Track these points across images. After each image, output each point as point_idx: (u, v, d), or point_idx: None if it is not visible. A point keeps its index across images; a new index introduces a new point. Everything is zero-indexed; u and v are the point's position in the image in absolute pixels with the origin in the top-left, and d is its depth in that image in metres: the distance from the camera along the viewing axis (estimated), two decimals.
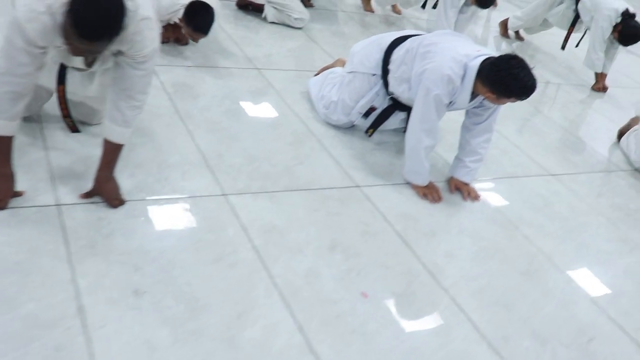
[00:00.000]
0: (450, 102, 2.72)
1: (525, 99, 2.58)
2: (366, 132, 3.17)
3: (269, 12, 4.41)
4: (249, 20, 4.47)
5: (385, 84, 3.00)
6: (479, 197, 2.97)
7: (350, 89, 3.12)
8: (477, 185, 3.05)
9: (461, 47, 2.69)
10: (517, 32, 6.00)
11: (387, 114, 3.13)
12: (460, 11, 4.71)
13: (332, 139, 3.14)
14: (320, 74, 3.50)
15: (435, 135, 2.76)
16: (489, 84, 2.54)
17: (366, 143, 3.19)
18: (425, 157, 2.78)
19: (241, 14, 4.54)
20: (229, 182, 2.58)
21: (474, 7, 4.66)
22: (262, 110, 3.26)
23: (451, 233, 2.68)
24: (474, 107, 2.77)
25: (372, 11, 5.45)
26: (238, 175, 2.65)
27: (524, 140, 3.80)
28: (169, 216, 2.31)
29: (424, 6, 5.12)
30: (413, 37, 2.93)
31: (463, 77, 2.62)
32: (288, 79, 3.66)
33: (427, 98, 2.67)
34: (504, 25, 5.95)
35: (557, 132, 4.09)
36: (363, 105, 3.09)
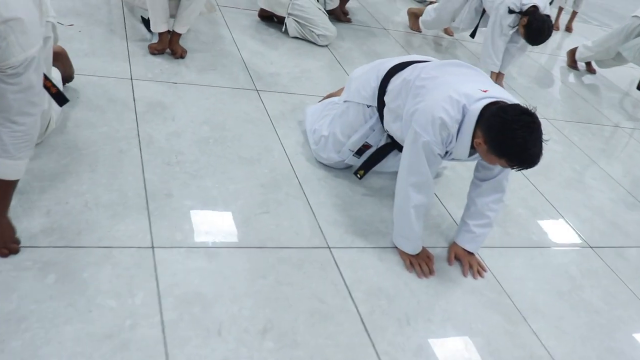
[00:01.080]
0: (446, 152, 2.17)
1: (519, 169, 2.00)
2: (356, 173, 2.65)
3: (290, 25, 3.96)
4: (270, 33, 4.04)
5: (382, 117, 2.47)
6: (484, 272, 2.38)
7: (342, 121, 2.62)
8: (484, 255, 2.45)
9: (464, 84, 2.13)
10: (588, 64, 5.27)
11: (383, 154, 2.60)
12: (511, 40, 4.06)
13: (317, 182, 2.64)
14: (320, 103, 3.00)
15: (427, 192, 2.21)
16: (485, 130, 2.00)
17: (356, 190, 2.66)
18: (416, 219, 2.23)
19: (263, 27, 4.10)
20: (164, 232, 2.14)
21: None
22: (244, 140, 2.79)
23: (433, 321, 2.11)
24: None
25: (419, 31, 4.89)
26: (180, 223, 2.20)
27: (565, 197, 3.15)
28: (68, 271, 1.87)
29: (472, 35, 4.48)
30: (415, 65, 2.40)
31: (461, 123, 2.06)
32: (289, 106, 3.19)
33: (416, 145, 2.13)
34: (572, 54, 5.24)
35: (612, 190, 3.40)
36: (355, 141, 2.58)
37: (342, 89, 3.07)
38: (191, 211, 2.27)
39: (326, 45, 4.04)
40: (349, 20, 4.66)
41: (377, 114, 2.52)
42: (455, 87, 2.14)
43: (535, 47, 4.33)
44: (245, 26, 4.02)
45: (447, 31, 5.04)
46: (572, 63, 5.25)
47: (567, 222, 2.94)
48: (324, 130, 2.69)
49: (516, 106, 1.98)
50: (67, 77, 2.76)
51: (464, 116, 2.06)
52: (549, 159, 3.46)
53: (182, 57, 3.32)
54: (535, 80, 4.79)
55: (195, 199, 2.33)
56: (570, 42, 6.01)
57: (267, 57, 3.66)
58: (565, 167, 3.46)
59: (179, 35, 3.28)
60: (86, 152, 2.42)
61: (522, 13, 3.83)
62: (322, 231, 2.36)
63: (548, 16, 3.82)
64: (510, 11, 3.85)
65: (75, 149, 2.41)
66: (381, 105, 2.48)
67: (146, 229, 2.13)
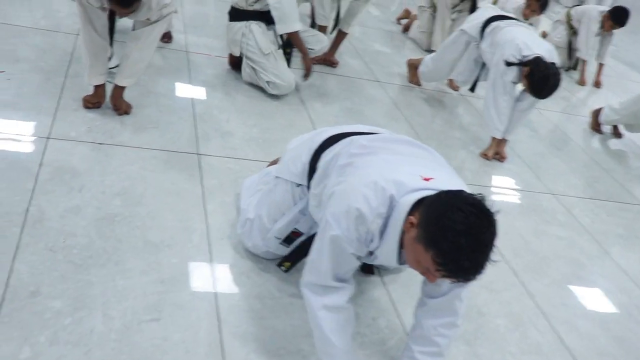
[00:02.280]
0: (369, 253, 1.65)
1: (452, 276, 1.45)
2: (280, 265, 2.14)
3: (243, 69, 3.53)
4: (237, 84, 3.58)
5: None
6: None
7: (270, 201, 2.13)
8: None
9: (399, 168, 1.64)
10: (614, 127, 4.67)
11: None
12: (517, 99, 3.52)
13: (237, 277, 2.16)
14: (259, 173, 2.51)
15: (336, 296, 1.69)
16: (423, 211, 1.48)
17: (285, 290, 2.17)
18: (332, 326, 1.72)
19: (232, 76, 3.67)
20: (4, 346, 1.64)
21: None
22: (159, 219, 2.35)
23: None
24: None
25: (418, 84, 4.39)
26: (34, 334, 1.75)
27: (561, 302, 2.59)
28: None
29: (472, 89, 3.96)
30: (353, 138, 1.90)
31: (387, 218, 1.53)
32: (233, 175, 2.75)
33: (323, 237, 1.65)
34: (595, 116, 4.66)
35: (624, 291, 2.81)
36: (282, 227, 2.09)
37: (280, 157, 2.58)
38: (54, 318, 1.78)
39: (277, 96, 3.53)
40: (334, 63, 4.20)
41: (308, 196, 2.02)
42: (386, 170, 1.63)
43: (548, 103, 3.77)
44: (210, 75, 3.58)
45: (452, 84, 4.54)
46: (596, 126, 4.67)
47: (559, 338, 2.35)
48: (250, 212, 2.20)
49: (467, 197, 1.44)
50: None
51: (390, 209, 1.54)
52: (547, 247, 2.87)
53: (126, 113, 2.89)
54: (548, 143, 4.22)
55: (67, 300, 1.86)
56: (596, 98, 5.43)
57: (225, 113, 3.21)
58: (567, 259, 2.87)
59: (123, 88, 2.85)
60: None
61: (523, 64, 3.29)
62: (222, 349, 1.84)
63: (553, 64, 3.27)
64: (509, 64, 3.32)
65: None
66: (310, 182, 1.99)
67: None
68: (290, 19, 3.33)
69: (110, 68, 2.97)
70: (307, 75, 3.57)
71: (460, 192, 1.48)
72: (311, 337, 1.90)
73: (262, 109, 3.37)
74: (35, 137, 2.57)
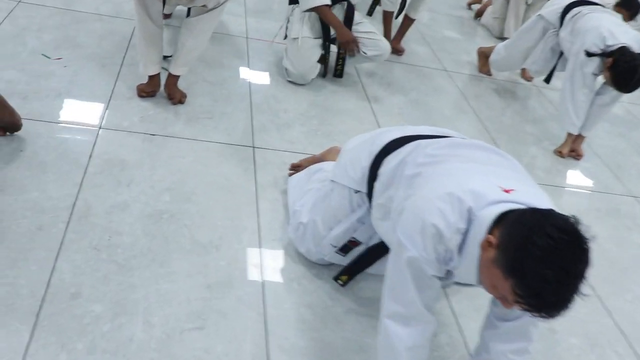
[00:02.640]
0: (447, 273, 1.47)
1: (533, 310, 1.25)
2: (336, 278, 1.98)
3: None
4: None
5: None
6: None
7: (325, 207, 1.97)
8: None
9: (475, 177, 1.45)
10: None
11: (376, 255, 1.91)
12: (597, 92, 3.22)
13: (287, 284, 2.02)
14: (306, 170, 2.36)
15: (419, 328, 1.50)
16: (504, 232, 1.28)
17: (338, 300, 2.02)
18: None
19: None
20: (43, 354, 1.56)
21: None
22: (209, 217, 2.25)
23: None
24: None
25: (489, 74, 4.12)
26: (72, 341, 1.65)
27: None
28: None
29: (547, 80, 3.66)
30: (420, 142, 1.70)
31: (465, 234, 1.35)
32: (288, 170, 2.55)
33: (399, 261, 1.47)
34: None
35: None
36: (338, 235, 1.93)
37: (325, 152, 2.43)
38: (93, 323, 1.69)
39: (340, 85, 3.36)
40: (400, 50, 3.97)
41: (367, 203, 1.85)
42: (461, 179, 1.43)
43: (632, 97, 3.45)
44: (270, 63, 3.44)
45: (525, 75, 4.24)
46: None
47: None
48: (304, 216, 2.05)
49: (557, 220, 1.23)
50: (10, 127, 2.30)
51: (469, 223, 1.35)
52: (628, 258, 2.61)
53: (180, 102, 2.79)
54: (630, 140, 3.88)
55: (108, 303, 1.77)
56: None
57: (283, 103, 3.06)
58: None
59: (177, 77, 2.74)
60: None
61: (606, 54, 2.99)
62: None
63: None
64: (590, 54, 3.02)
65: None
66: (372, 191, 1.80)
67: (21, 347, 1.56)
68: None
69: (165, 56, 2.87)
70: (343, 54, 3.30)
71: (549, 212, 1.27)
72: (365, 351, 1.75)
73: (322, 99, 3.21)
74: (87, 127, 2.50)
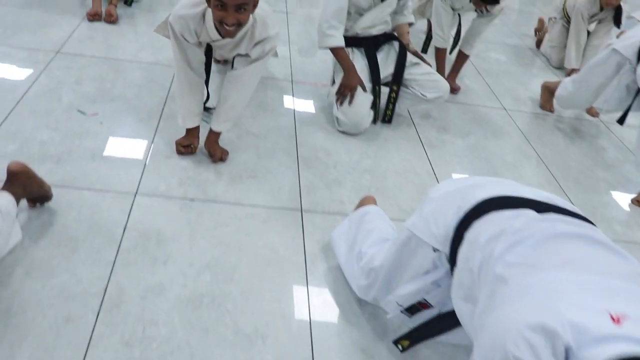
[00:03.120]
0: None
1: None
2: (396, 343, 1.72)
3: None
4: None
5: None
6: None
7: (397, 257, 1.72)
8: None
9: (577, 297, 1.16)
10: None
11: (447, 325, 1.63)
12: None
13: None
14: (345, 220, 2.12)
15: None
16: None
17: None
18: None
19: None
20: None
21: None
22: (253, 300, 2.02)
23: None
24: None
25: (551, 111, 3.82)
26: None
27: None
28: None
29: (621, 121, 3.32)
30: (522, 213, 1.42)
31: None
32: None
33: None
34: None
35: None
36: (407, 294, 1.67)
37: (365, 200, 2.19)
38: None
39: (393, 133, 3.10)
40: (456, 89, 3.71)
41: (448, 267, 1.57)
42: (560, 304, 1.14)
43: None
44: (317, 109, 3.22)
45: (591, 110, 3.90)
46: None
47: None
48: (377, 258, 1.81)
49: None
50: (39, 198, 2.12)
51: None
52: None
53: (222, 160, 2.58)
54: None
55: None
56: None
57: (332, 156, 2.83)
58: None
59: (218, 134, 2.55)
60: (17, 320, 1.72)
61: None
62: None
63: None
64: None
65: (6, 313, 1.73)
66: (454, 255, 1.53)
67: None
68: (326, 31, 2.89)
69: (206, 109, 2.68)
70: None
71: None
72: None
73: (375, 149, 2.97)
74: (122, 193, 2.31)
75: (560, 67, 4.62)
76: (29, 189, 2.04)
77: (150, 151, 2.58)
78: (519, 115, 3.70)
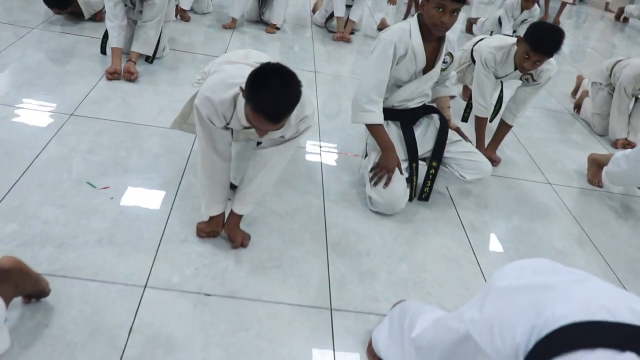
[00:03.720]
0: None
1: None
2: None
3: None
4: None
5: None
6: None
7: (452, 352, 1.41)
8: None
9: None
10: None
11: None
12: None
13: None
14: (385, 320, 1.84)
15: None
16: None
17: None
18: None
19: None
20: None
21: None
22: None
23: None
24: None
25: (599, 185, 3.54)
26: None
27: None
28: None
29: None
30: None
31: None
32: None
33: None
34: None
35: None
36: None
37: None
38: None
39: (431, 212, 2.81)
40: (496, 162, 3.43)
41: None
42: None
43: None
44: (347, 184, 2.96)
45: None
46: None
47: None
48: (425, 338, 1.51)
49: None
50: (35, 294, 1.86)
51: None
52: None
53: (243, 246, 2.31)
54: None
55: None
56: None
57: (365, 241, 2.55)
58: None
59: (240, 217, 2.28)
60: None
61: None
62: None
63: None
64: None
65: None
66: None
67: None
68: (364, 106, 2.62)
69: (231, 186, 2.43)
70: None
71: None
72: None
73: (410, 231, 2.68)
74: (130, 286, 2.03)
75: (603, 135, 4.34)
76: (23, 287, 1.78)
77: (164, 234, 2.32)
78: (566, 191, 3.40)
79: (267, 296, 2.13)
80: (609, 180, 3.39)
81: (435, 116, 2.83)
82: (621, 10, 10.00)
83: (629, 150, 3.26)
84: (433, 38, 2.56)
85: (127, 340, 1.84)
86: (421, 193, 2.88)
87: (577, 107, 4.72)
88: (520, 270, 1.30)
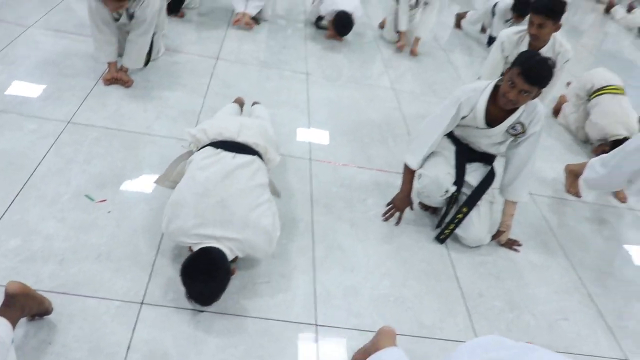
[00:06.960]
0: None
1: None
2: None
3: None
4: (363, 204, 3.04)
5: None
6: None
7: None
8: None
9: None
10: None
11: None
12: None
13: None
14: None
15: None
16: None
17: None
18: None
19: (362, 195, 3.13)
20: None
21: None
22: None
23: None
24: None
25: (577, 195, 3.70)
26: None
27: None
28: None
29: None
30: None
31: None
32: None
33: None
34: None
35: None
36: None
37: (382, 336, 2.02)
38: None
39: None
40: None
41: None
42: None
43: None
44: (333, 196, 3.09)
45: (619, 195, 3.76)
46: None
47: None
48: None
49: None
50: (40, 314, 1.99)
51: None
52: None
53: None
54: None
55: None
56: None
57: (350, 258, 2.71)
58: None
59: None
60: None
61: None
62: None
63: None
64: None
65: None
66: None
67: None
68: (414, 148, 2.83)
69: None
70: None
71: None
72: None
73: (394, 248, 2.82)
74: (127, 302, 2.17)
75: (585, 141, 4.48)
76: (28, 309, 1.92)
77: (159, 249, 2.45)
78: (543, 202, 3.55)
79: (255, 312, 2.27)
80: (588, 186, 3.53)
81: (490, 167, 2.94)
82: (611, 4, 10.07)
83: (603, 155, 3.41)
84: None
85: (126, 358, 1.98)
86: (441, 233, 2.93)
87: (556, 112, 4.84)
88: (471, 349, 1.44)
